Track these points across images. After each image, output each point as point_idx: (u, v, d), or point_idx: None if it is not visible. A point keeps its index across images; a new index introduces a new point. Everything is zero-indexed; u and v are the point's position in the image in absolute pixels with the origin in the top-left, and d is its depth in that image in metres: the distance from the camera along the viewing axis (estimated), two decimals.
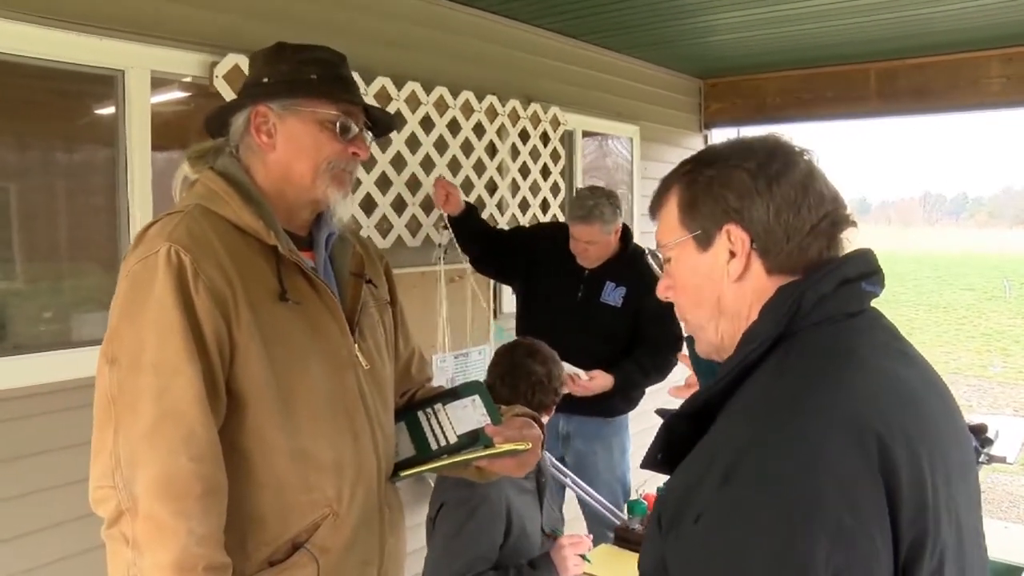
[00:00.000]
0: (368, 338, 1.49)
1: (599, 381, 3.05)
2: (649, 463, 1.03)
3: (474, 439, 1.57)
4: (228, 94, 2.51)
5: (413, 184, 3.30)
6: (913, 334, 13.17)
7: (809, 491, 0.82)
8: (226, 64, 2.51)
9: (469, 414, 1.61)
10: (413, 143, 3.27)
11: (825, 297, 0.96)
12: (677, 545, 0.90)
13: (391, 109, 3.06)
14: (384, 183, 3.17)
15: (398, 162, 3.21)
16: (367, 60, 2.98)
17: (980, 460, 3.47)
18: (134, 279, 1.28)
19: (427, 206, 3.36)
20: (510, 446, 1.48)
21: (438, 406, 1.64)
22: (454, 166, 3.49)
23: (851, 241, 1.04)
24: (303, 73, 1.40)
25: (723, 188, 1.01)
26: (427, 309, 3.39)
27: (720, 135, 5.77)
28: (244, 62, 2.54)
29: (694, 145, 5.66)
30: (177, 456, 1.21)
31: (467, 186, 3.56)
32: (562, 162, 4.19)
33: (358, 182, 3.03)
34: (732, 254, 1.01)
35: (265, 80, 1.41)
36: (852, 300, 0.99)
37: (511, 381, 2.31)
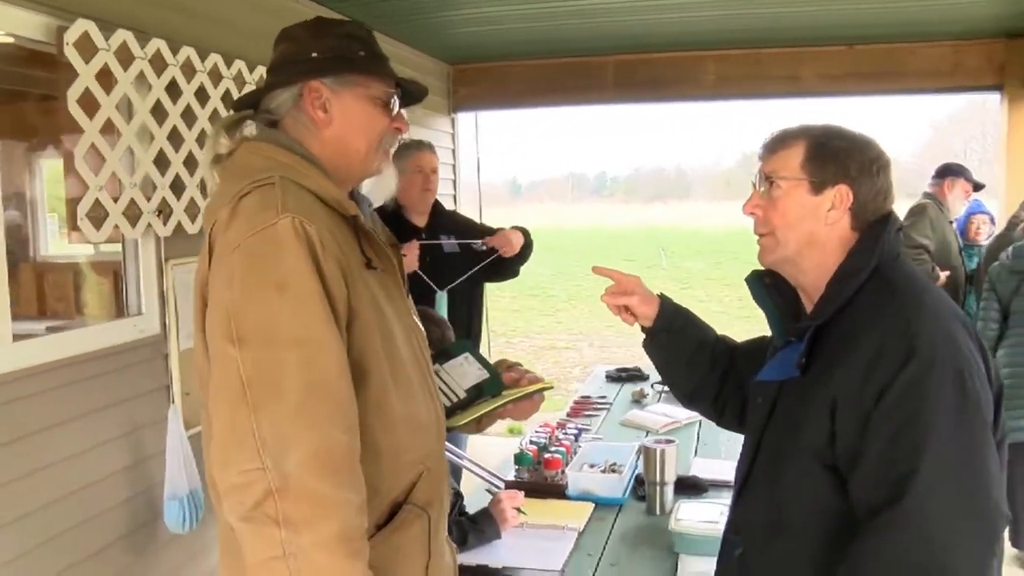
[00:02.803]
0: (413, 304, 1.55)
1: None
2: (797, 368, 1.36)
3: (479, 392, 1.71)
4: (79, 65, 2.28)
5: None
6: (590, 300, 14.64)
7: (965, 356, 1.27)
8: (76, 30, 2.27)
9: (467, 370, 1.74)
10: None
11: (891, 241, 1.40)
12: (859, 417, 1.26)
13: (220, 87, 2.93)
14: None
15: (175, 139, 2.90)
16: (203, 39, 2.83)
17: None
18: (252, 253, 1.22)
19: None
20: (537, 386, 1.64)
21: (436, 366, 1.74)
22: None
23: None
24: (351, 50, 1.41)
25: (849, 159, 1.40)
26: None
27: (466, 118, 6.10)
28: (94, 29, 2.33)
29: (443, 127, 5.93)
30: (332, 429, 1.20)
31: None
32: None
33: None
34: (833, 206, 1.39)
35: (314, 55, 1.40)
36: (899, 244, 1.43)
37: None
